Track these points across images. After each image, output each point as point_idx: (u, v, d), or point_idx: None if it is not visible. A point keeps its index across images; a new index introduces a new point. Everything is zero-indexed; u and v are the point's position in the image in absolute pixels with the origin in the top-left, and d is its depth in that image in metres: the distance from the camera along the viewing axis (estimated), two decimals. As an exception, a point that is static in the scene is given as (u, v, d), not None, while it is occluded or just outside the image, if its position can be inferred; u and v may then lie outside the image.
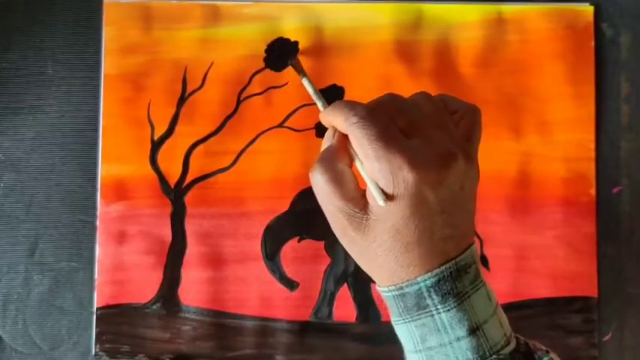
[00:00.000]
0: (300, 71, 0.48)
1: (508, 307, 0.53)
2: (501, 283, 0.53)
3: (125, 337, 0.53)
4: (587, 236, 0.54)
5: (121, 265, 0.53)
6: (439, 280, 0.32)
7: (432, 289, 0.32)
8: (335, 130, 0.33)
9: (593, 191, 0.54)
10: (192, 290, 0.53)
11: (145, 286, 0.53)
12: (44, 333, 0.53)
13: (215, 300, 0.53)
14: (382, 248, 0.32)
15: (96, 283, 0.53)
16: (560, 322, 0.53)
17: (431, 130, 0.32)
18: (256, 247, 0.53)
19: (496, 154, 0.54)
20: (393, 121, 0.32)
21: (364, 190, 0.32)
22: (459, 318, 0.32)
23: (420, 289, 0.32)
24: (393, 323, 0.34)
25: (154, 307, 0.53)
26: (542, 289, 0.53)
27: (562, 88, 0.54)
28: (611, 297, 0.54)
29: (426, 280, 0.32)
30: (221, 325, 0.53)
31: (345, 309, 0.53)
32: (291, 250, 0.53)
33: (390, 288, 0.33)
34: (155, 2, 0.54)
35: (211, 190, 0.54)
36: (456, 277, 0.32)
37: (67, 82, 0.54)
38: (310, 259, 0.53)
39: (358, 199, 0.32)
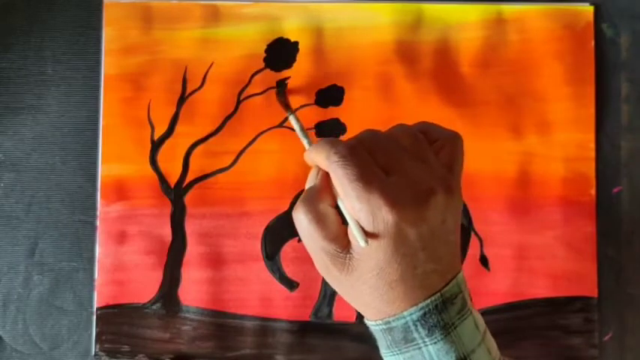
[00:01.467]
0: (287, 107, 0.48)
1: (508, 307, 0.53)
2: (501, 283, 0.53)
3: (125, 337, 0.53)
4: (587, 236, 0.54)
5: (121, 265, 0.53)
6: (425, 314, 0.32)
7: (418, 323, 0.32)
8: (319, 168, 0.34)
9: (593, 191, 0.54)
10: (192, 290, 0.53)
11: (145, 286, 0.53)
12: (44, 333, 0.53)
13: (215, 300, 0.53)
14: (367, 286, 0.32)
15: (96, 283, 0.53)
16: (560, 322, 0.53)
17: (410, 164, 0.33)
18: (256, 247, 0.53)
19: (496, 154, 0.54)
20: (372, 158, 0.32)
21: (346, 230, 0.33)
22: (446, 350, 0.32)
23: (406, 322, 0.32)
24: (382, 355, 0.34)
25: (154, 307, 0.53)
26: (542, 289, 0.53)
27: (562, 88, 0.54)
28: (611, 297, 0.54)
29: (411, 314, 0.32)
30: (221, 325, 0.53)
31: (345, 309, 0.53)
32: (291, 250, 0.53)
33: (377, 322, 0.33)
34: (155, 2, 0.54)
35: (211, 190, 0.54)
36: (442, 309, 0.32)
37: (67, 82, 0.54)
38: (310, 259, 0.53)
39: (341, 239, 0.32)
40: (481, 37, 0.55)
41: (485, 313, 0.53)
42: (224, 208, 0.53)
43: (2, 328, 0.53)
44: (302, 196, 0.33)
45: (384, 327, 0.33)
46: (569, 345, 0.53)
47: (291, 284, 0.53)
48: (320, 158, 0.33)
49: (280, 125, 0.54)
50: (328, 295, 0.53)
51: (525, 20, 0.55)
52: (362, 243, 0.31)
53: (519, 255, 0.54)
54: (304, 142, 0.40)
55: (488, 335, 0.34)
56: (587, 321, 0.53)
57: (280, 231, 0.53)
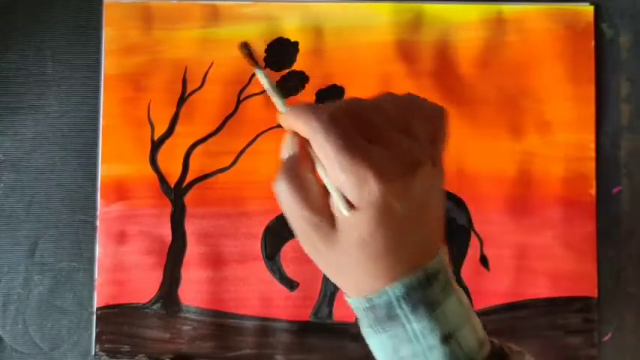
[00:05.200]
0: (255, 63, 0.38)
1: (508, 307, 0.53)
2: (501, 283, 0.53)
3: (125, 337, 0.53)
4: (587, 236, 0.54)
5: (121, 265, 0.53)
6: (408, 290, 0.31)
7: (401, 299, 0.31)
8: (295, 134, 0.32)
9: (593, 191, 0.54)
10: (192, 290, 0.53)
11: (145, 286, 0.53)
12: (44, 333, 0.53)
13: (215, 300, 0.53)
14: (349, 259, 0.31)
15: (96, 283, 0.53)
16: (560, 322, 0.53)
17: (395, 135, 0.31)
18: (256, 247, 0.53)
19: (496, 154, 0.54)
20: (356, 127, 0.31)
21: (329, 201, 0.32)
22: (431, 327, 0.31)
23: (389, 299, 0.31)
24: (364, 334, 0.33)
25: (154, 307, 0.53)
26: (542, 289, 0.53)
27: (562, 88, 0.54)
28: (611, 297, 0.54)
29: (394, 289, 0.31)
30: (221, 325, 0.53)
31: (345, 309, 0.53)
32: (291, 250, 0.53)
33: (359, 300, 0.32)
34: (155, 2, 0.54)
35: (211, 190, 0.54)
36: (426, 285, 0.31)
37: (67, 82, 0.54)
38: (310, 259, 0.53)
39: (324, 209, 0.31)
40: (481, 37, 0.55)
41: (485, 313, 0.53)
42: (224, 208, 0.53)
43: (2, 328, 0.53)
44: (282, 166, 0.32)
45: (366, 304, 0.32)
46: (569, 345, 0.53)
47: (291, 284, 0.53)
48: (299, 124, 0.31)
49: (280, 125, 0.54)
50: (328, 295, 0.53)
51: (525, 20, 0.55)
52: (344, 212, 0.30)
53: (519, 255, 0.54)
54: (278, 103, 0.35)
55: (474, 314, 0.34)
56: (586, 321, 0.53)
57: (280, 231, 0.53)
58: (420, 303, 0.31)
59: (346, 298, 0.34)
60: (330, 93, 0.54)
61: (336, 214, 0.31)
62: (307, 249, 0.33)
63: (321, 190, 0.32)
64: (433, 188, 0.32)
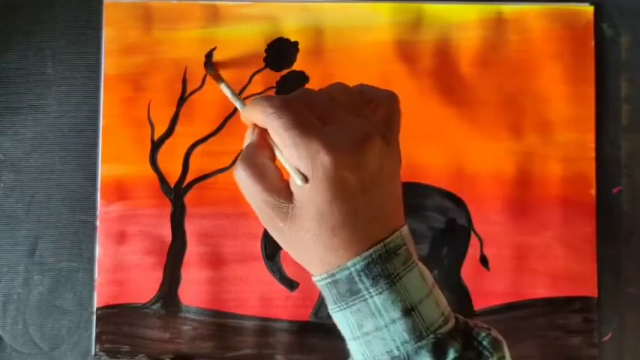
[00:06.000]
0: (217, 78, 0.49)
1: (508, 307, 0.53)
2: (501, 283, 0.53)
3: (125, 337, 0.53)
4: (587, 236, 0.54)
5: (121, 265, 0.53)
6: (368, 264, 0.32)
7: (362, 273, 0.32)
8: (255, 126, 0.34)
9: (593, 191, 0.54)
10: (192, 290, 0.53)
11: (145, 286, 0.53)
12: (44, 333, 0.53)
13: (215, 300, 0.53)
14: (309, 235, 0.32)
15: (96, 283, 0.53)
16: (560, 322, 0.53)
17: (346, 116, 0.33)
18: (256, 247, 0.53)
19: (496, 154, 0.54)
20: (308, 110, 0.33)
21: (288, 182, 0.33)
22: (392, 300, 0.32)
23: (350, 274, 0.32)
24: (330, 312, 0.34)
25: (154, 307, 0.53)
26: (541, 289, 0.53)
27: (562, 88, 0.54)
28: (611, 297, 0.54)
29: (355, 264, 0.32)
30: (221, 325, 0.53)
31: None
32: (291, 250, 0.53)
33: (322, 276, 0.33)
34: (155, 2, 0.54)
35: (211, 190, 0.54)
36: (386, 259, 0.32)
37: (67, 82, 0.54)
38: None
39: (283, 190, 0.33)
40: (481, 36, 0.55)
41: (485, 313, 0.53)
42: (224, 208, 0.53)
43: (2, 328, 0.53)
44: (240, 154, 0.34)
45: (329, 280, 0.33)
46: (569, 345, 0.53)
47: (291, 284, 0.53)
48: (255, 114, 0.33)
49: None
50: (328, 295, 0.53)
51: (525, 20, 0.55)
52: (298, 182, 0.32)
53: (519, 255, 0.54)
54: (237, 105, 0.41)
55: (437, 289, 0.34)
56: (586, 321, 0.53)
57: (280, 231, 0.53)
58: (380, 276, 0.32)
59: (312, 279, 0.34)
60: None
61: (294, 190, 0.32)
62: (270, 230, 0.34)
63: (278, 173, 0.34)
64: (385, 162, 0.33)
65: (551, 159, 0.54)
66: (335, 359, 0.53)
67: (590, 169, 0.54)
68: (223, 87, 0.45)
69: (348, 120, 0.33)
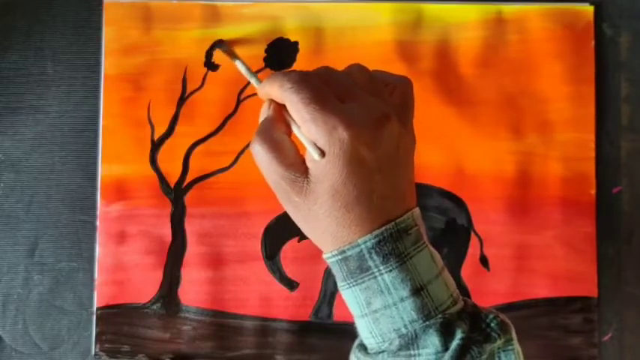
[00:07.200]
0: (232, 54, 0.48)
1: (508, 307, 0.53)
2: (501, 283, 0.53)
3: (125, 337, 0.53)
4: (587, 236, 0.54)
5: (121, 265, 0.53)
6: (379, 241, 0.32)
7: (372, 251, 0.32)
8: (271, 101, 0.34)
9: (593, 191, 0.54)
10: (192, 290, 0.53)
11: (145, 286, 0.53)
12: (44, 333, 0.53)
13: (215, 300, 0.53)
14: (323, 209, 0.32)
15: (96, 283, 0.53)
16: (560, 322, 0.53)
17: (365, 95, 0.33)
18: (256, 247, 0.53)
19: (496, 154, 0.54)
20: (326, 86, 0.33)
21: (304, 157, 0.33)
22: (401, 278, 0.32)
23: (361, 251, 0.32)
24: (340, 289, 0.34)
25: (154, 307, 0.53)
26: (542, 289, 0.53)
27: (562, 88, 0.54)
28: (611, 297, 0.54)
29: (366, 241, 0.32)
30: (221, 325, 0.53)
31: (345, 309, 0.53)
32: (291, 250, 0.53)
33: (333, 253, 0.33)
34: (155, 2, 0.54)
35: (211, 190, 0.54)
36: (397, 237, 0.32)
37: (67, 82, 0.54)
38: (310, 259, 0.53)
39: (299, 165, 0.33)
40: (481, 36, 0.55)
41: (485, 313, 0.53)
42: (224, 208, 0.53)
43: (2, 328, 0.53)
44: (257, 129, 0.34)
45: (339, 257, 0.33)
46: (569, 345, 0.53)
47: (291, 284, 0.53)
48: (273, 88, 0.33)
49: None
50: (328, 295, 0.53)
51: (525, 20, 0.55)
52: (316, 156, 0.32)
53: (519, 255, 0.54)
54: (253, 81, 0.40)
55: (447, 272, 0.35)
56: (587, 321, 0.53)
57: (280, 231, 0.53)
58: (391, 255, 0.32)
59: (323, 257, 0.34)
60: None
61: (309, 165, 0.32)
62: (285, 204, 0.34)
63: (295, 148, 0.33)
64: (401, 143, 0.33)
65: (551, 159, 0.54)
66: (335, 359, 0.53)
67: (590, 169, 0.54)
68: (238, 63, 0.45)
69: (366, 99, 0.33)
